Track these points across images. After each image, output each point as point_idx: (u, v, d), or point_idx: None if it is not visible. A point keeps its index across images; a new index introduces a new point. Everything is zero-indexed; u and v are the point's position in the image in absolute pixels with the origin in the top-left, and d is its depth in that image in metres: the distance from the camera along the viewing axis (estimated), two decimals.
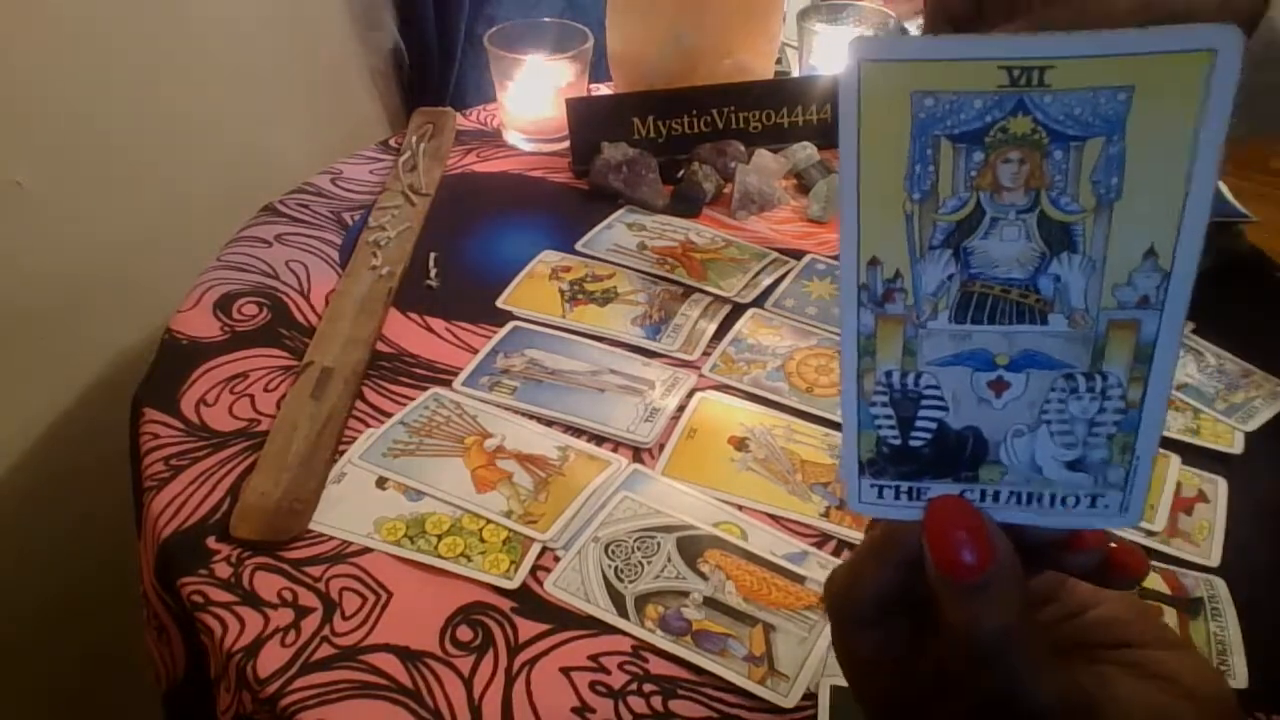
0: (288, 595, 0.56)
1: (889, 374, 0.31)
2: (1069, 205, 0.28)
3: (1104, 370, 0.30)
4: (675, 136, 0.95)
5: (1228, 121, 0.27)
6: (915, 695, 0.34)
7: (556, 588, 0.57)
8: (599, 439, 0.67)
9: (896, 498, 0.32)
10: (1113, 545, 0.32)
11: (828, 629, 0.55)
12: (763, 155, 0.94)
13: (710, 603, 0.57)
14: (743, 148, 0.94)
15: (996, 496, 0.31)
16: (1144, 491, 0.31)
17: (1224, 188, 0.92)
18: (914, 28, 1.32)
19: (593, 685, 0.53)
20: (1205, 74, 0.26)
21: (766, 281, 0.82)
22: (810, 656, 0.54)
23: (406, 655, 0.54)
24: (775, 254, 0.85)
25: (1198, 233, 0.28)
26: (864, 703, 0.35)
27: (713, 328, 0.77)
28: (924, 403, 0.31)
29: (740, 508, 0.63)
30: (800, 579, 0.58)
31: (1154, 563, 0.61)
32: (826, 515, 0.63)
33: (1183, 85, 0.27)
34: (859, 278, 0.30)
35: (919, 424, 0.31)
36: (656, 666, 0.54)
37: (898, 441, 0.31)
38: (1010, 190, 0.29)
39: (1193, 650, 0.35)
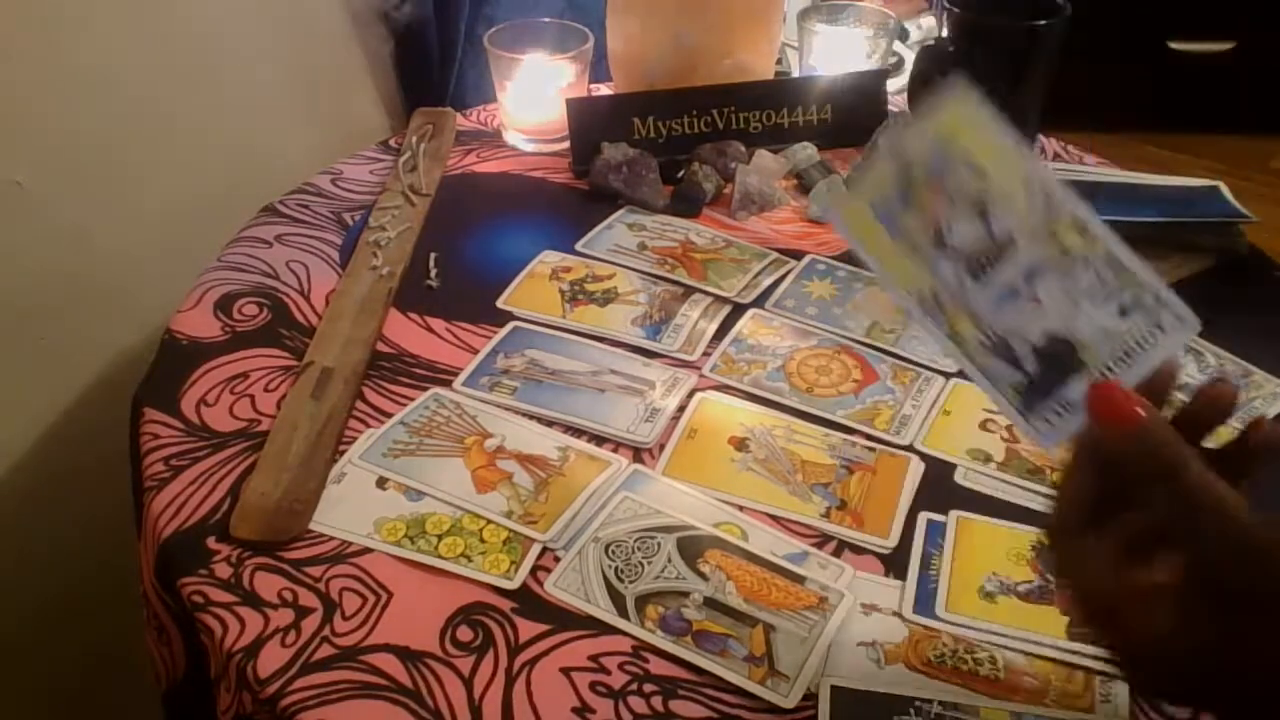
0: (288, 595, 0.56)
1: (977, 339, 0.43)
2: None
3: (1067, 249, 0.42)
4: (675, 136, 0.95)
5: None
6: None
7: (557, 588, 0.57)
8: (599, 439, 0.67)
9: (1061, 417, 0.42)
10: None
11: (828, 629, 0.55)
12: (763, 155, 0.94)
13: (710, 603, 0.57)
14: (743, 148, 0.94)
15: (1110, 369, 0.42)
16: (1177, 302, 0.42)
17: (1224, 188, 0.92)
18: (914, 28, 1.32)
19: (593, 685, 0.53)
20: None
21: (767, 282, 0.82)
22: (810, 656, 0.54)
23: (406, 655, 0.54)
24: (775, 254, 0.85)
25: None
26: (1093, 615, 0.40)
27: (713, 328, 0.77)
28: (1008, 338, 0.43)
29: (740, 508, 0.63)
30: (800, 579, 0.58)
31: None
32: (827, 516, 0.63)
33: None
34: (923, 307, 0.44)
35: (1018, 353, 0.43)
36: (657, 667, 0.54)
37: (1021, 376, 0.43)
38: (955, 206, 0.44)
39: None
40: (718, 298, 0.80)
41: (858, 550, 0.61)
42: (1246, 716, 0.39)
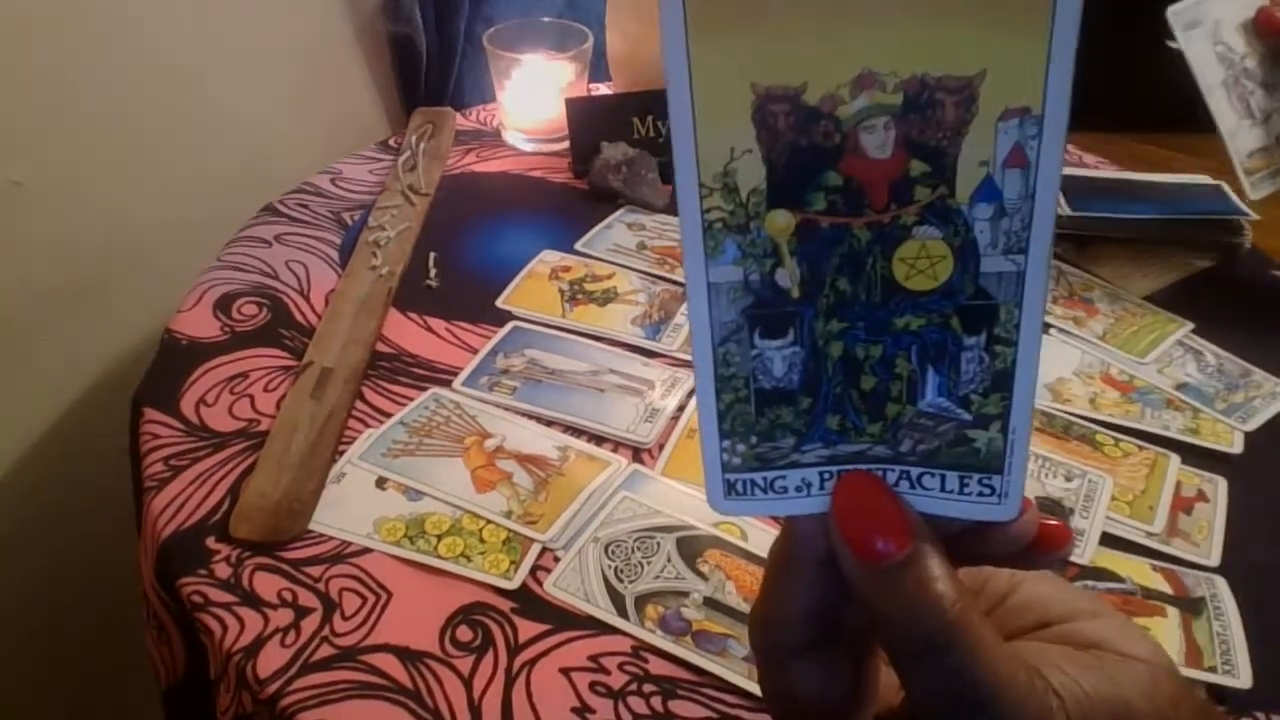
0: (287, 595, 0.56)
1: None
2: None
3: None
4: None
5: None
6: None
7: (556, 588, 0.57)
8: (599, 439, 0.67)
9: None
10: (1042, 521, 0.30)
11: None
12: None
13: (710, 603, 0.57)
14: None
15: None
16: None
17: (1226, 187, 0.92)
18: None
19: (593, 685, 0.53)
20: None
21: None
22: None
23: (406, 655, 0.54)
24: None
25: None
26: None
27: None
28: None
29: None
30: None
31: (1154, 562, 0.61)
32: None
33: None
34: None
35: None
36: (656, 667, 0.54)
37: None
38: None
39: (1117, 614, 0.33)
40: None
41: None
42: None
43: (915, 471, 0.28)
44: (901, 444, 0.28)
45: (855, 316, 0.27)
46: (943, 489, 0.28)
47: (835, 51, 0.23)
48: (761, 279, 0.26)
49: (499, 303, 0.78)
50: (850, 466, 0.28)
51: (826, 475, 0.29)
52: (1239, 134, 0.73)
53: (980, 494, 0.28)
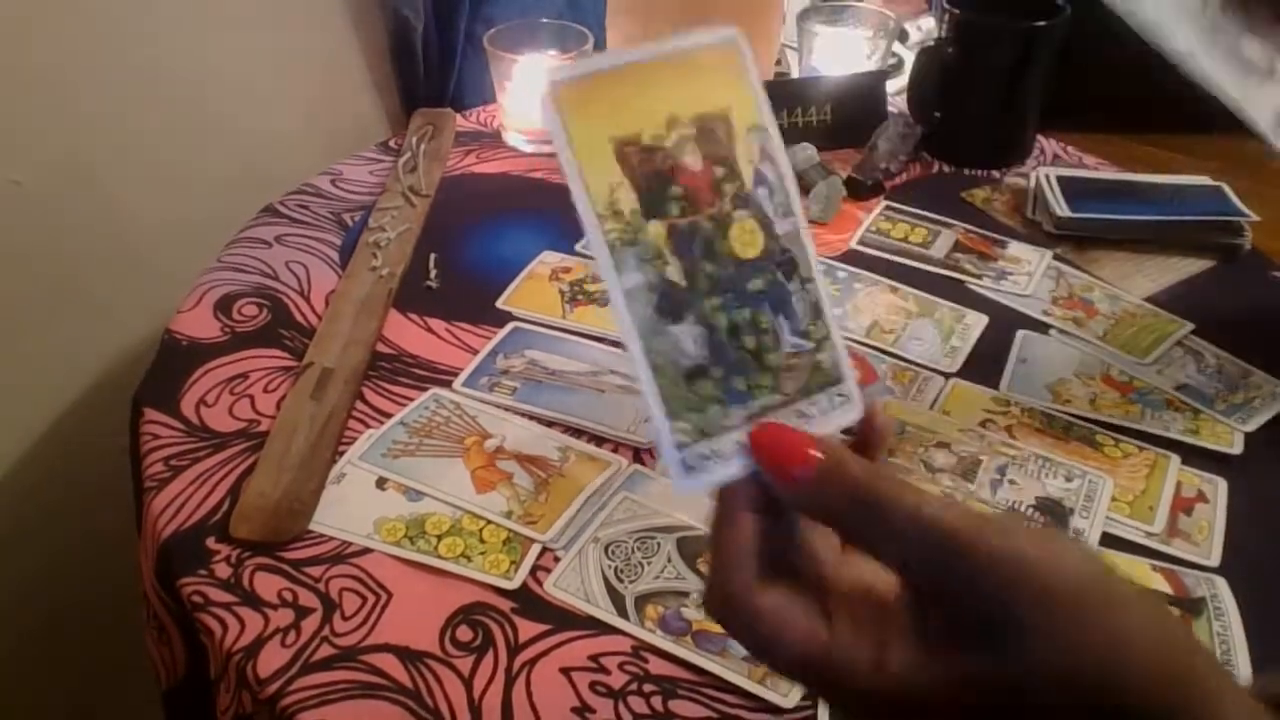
0: (288, 595, 0.56)
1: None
2: None
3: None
4: None
5: None
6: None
7: (556, 588, 0.57)
8: (599, 439, 0.67)
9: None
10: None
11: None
12: None
13: None
14: None
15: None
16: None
17: (1226, 188, 0.92)
18: (914, 29, 1.32)
19: (593, 685, 0.53)
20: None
21: None
22: None
23: (406, 655, 0.54)
24: None
25: None
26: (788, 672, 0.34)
27: None
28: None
29: None
30: None
31: (1155, 563, 0.61)
32: None
33: None
34: None
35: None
36: (656, 666, 0.54)
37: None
38: None
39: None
40: None
41: None
42: None
43: (803, 407, 0.36)
44: (786, 387, 0.36)
45: (725, 290, 0.35)
46: (821, 412, 0.36)
47: (651, 108, 0.34)
48: (659, 277, 0.34)
49: (499, 303, 0.78)
50: (764, 420, 0.35)
51: (746, 435, 0.35)
52: (1251, 97, 0.57)
53: (838, 404, 0.37)
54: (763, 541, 0.34)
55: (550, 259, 0.83)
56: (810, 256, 0.37)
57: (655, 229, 0.34)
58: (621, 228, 0.34)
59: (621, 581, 0.58)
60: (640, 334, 0.34)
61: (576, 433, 0.67)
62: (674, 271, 0.34)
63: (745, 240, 0.35)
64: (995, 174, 0.99)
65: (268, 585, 0.57)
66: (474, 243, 0.85)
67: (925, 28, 1.34)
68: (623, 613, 0.56)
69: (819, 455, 0.33)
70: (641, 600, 0.57)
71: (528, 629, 0.55)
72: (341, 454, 0.65)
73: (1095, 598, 0.30)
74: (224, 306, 0.76)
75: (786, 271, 0.36)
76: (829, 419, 0.36)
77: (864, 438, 0.38)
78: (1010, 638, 0.30)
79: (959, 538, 0.31)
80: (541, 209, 0.90)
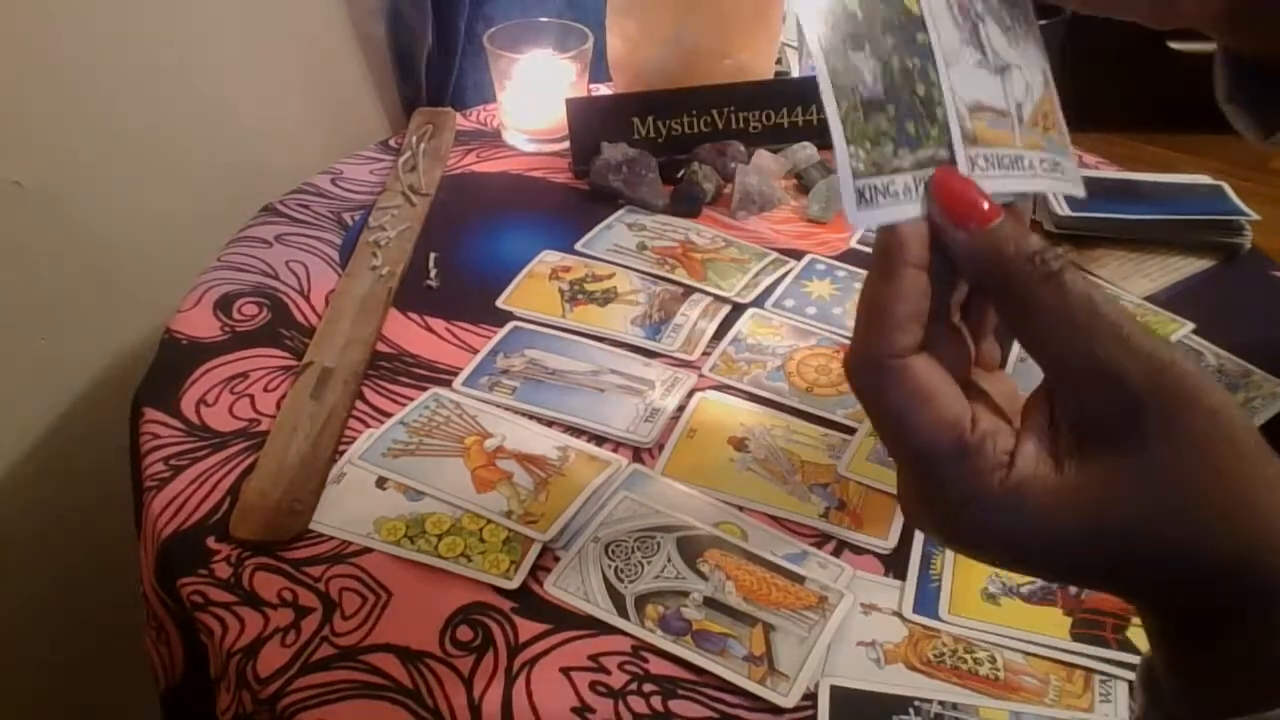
0: (288, 595, 0.56)
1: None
2: None
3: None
4: (675, 136, 0.95)
5: None
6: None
7: (556, 588, 0.57)
8: (599, 439, 0.67)
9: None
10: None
11: (827, 628, 0.55)
12: (762, 155, 0.94)
13: (710, 603, 0.57)
14: (743, 148, 0.94)
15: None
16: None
17: (1227, 188, 0.92)
18: None
19: (593, 685, 0.53)
20: None
21: (766, 281, 0.82)
22: (810, 656, 0.54)
23: (406, 655, 0.54)
24: (775, 254, 0.85)
25: None
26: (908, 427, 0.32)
27: (713, 328, 0.77)
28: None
29: (740, 508, 0.63)
30: (800, 579, 0.58)
31: None
32: (826, 516, 0.63)
33: None
34: None
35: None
36: (656, 666, 0.54)
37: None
38: None
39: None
40: (717, 297, 0.80)
41: (857, 550, 0.61)
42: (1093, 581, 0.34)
43: (976, 158, 0.35)
44: (953, 142, 0.34)
45: (896, 34, 0.34)
46: (981, 173, 0.34)
47: None
48: (840, 4, 0.33)
49: (499, 303, 0.78)
50: (930, 168, 0.34)
51: (917, 180, 0.34)
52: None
53: (1004, 168, 0.35)
54: (923, 304, 0.32)
55: (550, 258, 0.83)
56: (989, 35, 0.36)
57: None
58: None
59: (621, 581, 0.58)
60: (825, 54, 0.33)
61: (576, 432, 0.67)
62: (853, 1, 0.33)
63: None
64: None
65: (268, 585, 0.57)
66: (474, 242, 0.85)
67: None
68: (623, 613, 0.56)
69: (1000, 209, 0.32)
70: (641, 600, 0.57)
71: (528, 629, 0.55)
72: (341, 454, 0.65)
73: (1246, 430, 0.30)
74: (224, 306, 0.76)
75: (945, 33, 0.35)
76: (989, 180, 0.35)
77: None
78: (1153, 433, 0.29)
79: (1126, 330, 0.30)
80: (541, 209, 0.90)
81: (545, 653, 0.54)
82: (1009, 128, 0.36)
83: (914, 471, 0.33)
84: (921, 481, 0.33)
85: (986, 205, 0.32)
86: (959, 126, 0.34)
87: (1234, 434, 0.30)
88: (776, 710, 0.52)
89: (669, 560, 0.59)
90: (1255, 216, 0.88)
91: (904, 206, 0.33)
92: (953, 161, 0.34)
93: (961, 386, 0.33)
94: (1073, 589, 0.58)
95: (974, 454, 0.31)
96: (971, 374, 0.35)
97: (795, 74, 1.08)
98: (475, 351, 0.73)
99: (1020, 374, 0.74)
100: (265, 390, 0.69)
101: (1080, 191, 0.38)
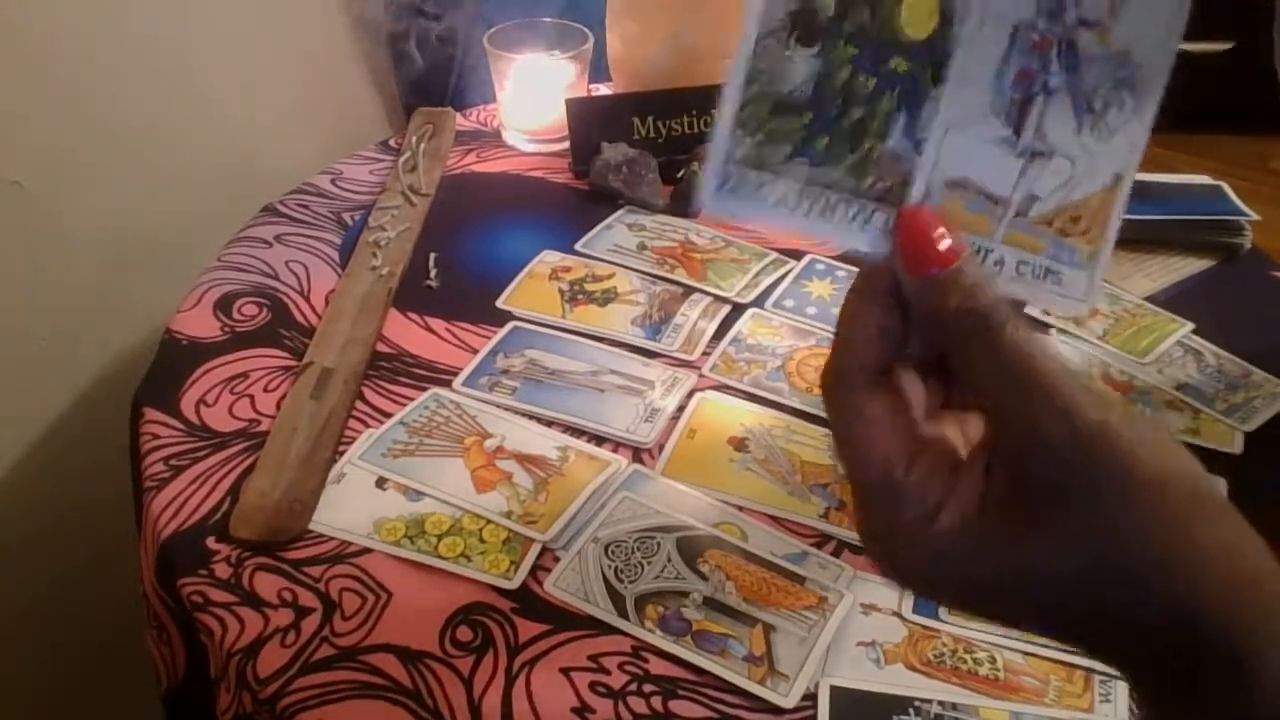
0: (288, 595, 0.56)
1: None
2: None
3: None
4: (675, 136, 0.95)
5: None
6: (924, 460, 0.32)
7: (556, 588, 0.57)
8: (599, 439, 0.67)
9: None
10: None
11: (827, 629, 0.55)
12: None
13: (710, 603, 0.57)
14: None
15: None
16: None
17: (1225, 188, 0.92)
18: None
19: (593, 685, 0.53)
20: None
21: (766, 281, 0.82)
22: (810, 656, 0.54)
23: (406, 655, 0.54)
24: (775, 254, 0.85)
25: None
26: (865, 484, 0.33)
27: (713, 328, 0.77)
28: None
29: (740, 508, 0.63)
30: (800, 579, 0.58)
31: None
32: (826, 516, 0.63)
33: None
34: None
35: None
36: (656, 667, 0.54)
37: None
38: None
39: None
40: (717, 297, 0.80)
41: (857, 550, 0.61)
42: (1014, 621, 0.33)
43: (870, 208, 0.33)
44: (866, 179, 0.32)
45: (864, 46, 0.31)
46: (875, 228, 0.33)
47: None
48: None
49: (499, 303, 0.78)
50: (819, 190, 0.32)
51: (802, 196, 0.32)
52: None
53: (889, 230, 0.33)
54: (895, 331, 0.32)
55: (550, 258, 0.83)
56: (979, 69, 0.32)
57: None
58: None
59: (621, 581, 0.58)
60: (760, 30, 0.31)
61: (576, 432, 0.67)
62: None
63: (917, 16, 0.31)
64: None
65: (268, 585, 0.57)
66: (474, 242, 0.85)
67: None
68: (623, 613, 0.56)
69: (962, 258, 0.31)
70: (641, 600, 0.57)
71: (527, 629, 0.55)
72: (341, 454, 0.65)
73: (1179, 492, 0.30)
74: (224, 306, 0.76)
75: (937, 75, 0.32)
76: (876, 238, 0.33)
77: None
78: (1076, 501, 0.29)
79: (1058, 394, 0.30)
80: (541, 209, 0.90)
81: (545, 653, 0.54)
82: (993, 217, 0.34)
83: (851, 490, 0.34)
84: (856, 502, 0.33)
85: (945, 247, 0.32)
86: (923, 187, 0.33)
87: (1167, 497, 0.30)
88: (777, 710, 0.52)
89: (669, 560, 0.59)
90: (1255, 216, 0.88)
91: (768, 212, 0.32)
92: (869, 210, 0.32)
93: (930, 423, 0.33)
94: None
95: (899, 494, 0.32)
96: (941, 414, 0.34)
97: None
98: (475, 352, 0.73)
99: None
100: (265, 390, 0.69)
101: (1080, 311, 0.35)
